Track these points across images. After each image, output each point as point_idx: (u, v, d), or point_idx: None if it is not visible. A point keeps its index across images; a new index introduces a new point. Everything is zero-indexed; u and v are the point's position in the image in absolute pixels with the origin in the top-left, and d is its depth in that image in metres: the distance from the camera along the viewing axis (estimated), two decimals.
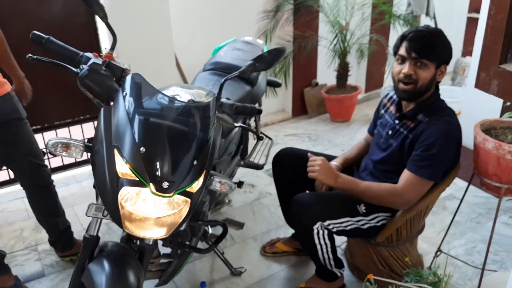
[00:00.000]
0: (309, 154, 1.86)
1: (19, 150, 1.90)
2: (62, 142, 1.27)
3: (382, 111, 1.94)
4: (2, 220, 2.58)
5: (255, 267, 2.20)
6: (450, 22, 4.74)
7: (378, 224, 1.84)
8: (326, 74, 4.02)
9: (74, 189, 2.89)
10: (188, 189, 1.25)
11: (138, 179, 1.18)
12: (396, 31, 3.75)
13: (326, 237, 1.81)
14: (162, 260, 1.77)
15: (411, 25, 3.72)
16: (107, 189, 1.21)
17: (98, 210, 1.32)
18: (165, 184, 1.18)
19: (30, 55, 1.31)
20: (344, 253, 2.25)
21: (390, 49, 4.08)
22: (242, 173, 3.04)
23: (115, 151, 1.20)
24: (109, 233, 2.42)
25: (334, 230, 1.80)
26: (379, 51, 3.90)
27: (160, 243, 1.74)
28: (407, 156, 1.69)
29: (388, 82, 4.08)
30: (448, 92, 3.45)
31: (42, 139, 2.74)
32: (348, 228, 1.81)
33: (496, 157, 1.57)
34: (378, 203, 1.74)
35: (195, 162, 1.25)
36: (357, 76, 4.27)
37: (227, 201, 2.24)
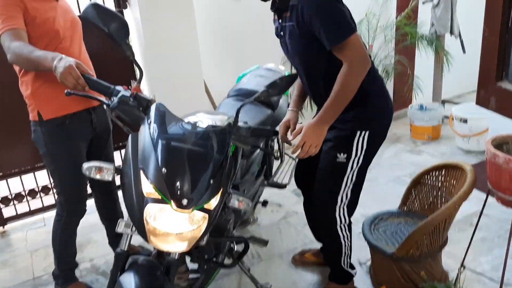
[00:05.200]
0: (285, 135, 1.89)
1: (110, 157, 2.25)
2: (96, 166, 1.43)
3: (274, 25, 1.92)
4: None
5: (281, 283, 2.27)
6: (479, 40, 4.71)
7: (364, 142, 1.81)
8: None
9: None
10: (206, 206, 1.38)
11: (160, 197, 1.32)
12: (420, 52, 3.80)
13: (347, 227, 1.94)
14: (190, 276, 1.89)
15: (435, 45, 3.77)
16: (134, 207, 1.36)
17: (127, 226, 1.47)
18: (185, 201, 1.32)
19: (68, 90, 1.50)
20: (368, 271, 2.29)
21: (416, 70, 4.12)
22: (269, 193, 3.14)
23: (141, 172, 1.35)
24: None
25: (350, 196, 1.88)
26: (406, 70, 3.94)
27: (188, 259, 1.87)
28: (307, 37, 1.67)
29: (416, 101, 4.09)
30: (474, 109, 3.43)
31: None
32: (355, 181, 1.87)
33: (507, 171, 1.61)
34: (354, 92, 1.66)
35: (211, 181, 1.38)
36: None
37: (252, 220, 2.34)
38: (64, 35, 1.92)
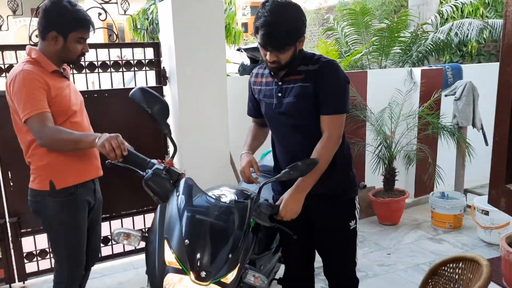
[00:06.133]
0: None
1: (98, 230, 2.28)
2: (124, 232, 1.54)
3: (257, 87, 2.07)
4: None
5: None
6: None
7: (357, 204, 2.05)
8: (374, 177, 4.16)
9: (131, 275, 3.13)
10: (223, 280, 1.45)
11: (181, 268, 1.40)
12: (442, 142, 3.90)
13: None
14: None
15: (457, 136, 3.88)
16: (155, 275, 1.44)
17: None
18: (203, 273, 1.39)
19: (108, 161, 1.66)
20: None
21: (438, 158, 4.20)
22: None
23: (165, 242, 1.45)
24: None
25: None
26: (427, 158, 4.01)
27: None
28: (313, 101, 1.82)
29: (438, 189, 4.11)
30: None
31: (109, 227, 3.09)
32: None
33: None
34: (328, 163, 1.84)
35: (230, 256, 1.46)
36: (405, 180, 4.36)
37: None
38: (78, 111, 2.06)
